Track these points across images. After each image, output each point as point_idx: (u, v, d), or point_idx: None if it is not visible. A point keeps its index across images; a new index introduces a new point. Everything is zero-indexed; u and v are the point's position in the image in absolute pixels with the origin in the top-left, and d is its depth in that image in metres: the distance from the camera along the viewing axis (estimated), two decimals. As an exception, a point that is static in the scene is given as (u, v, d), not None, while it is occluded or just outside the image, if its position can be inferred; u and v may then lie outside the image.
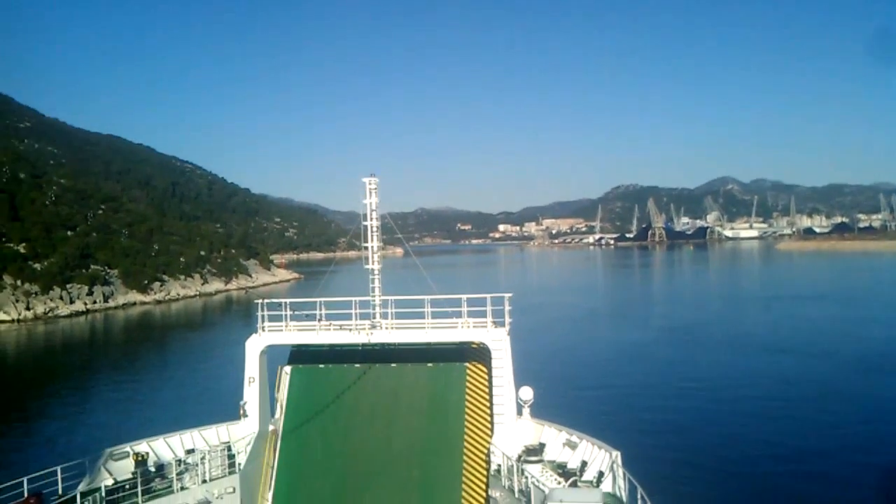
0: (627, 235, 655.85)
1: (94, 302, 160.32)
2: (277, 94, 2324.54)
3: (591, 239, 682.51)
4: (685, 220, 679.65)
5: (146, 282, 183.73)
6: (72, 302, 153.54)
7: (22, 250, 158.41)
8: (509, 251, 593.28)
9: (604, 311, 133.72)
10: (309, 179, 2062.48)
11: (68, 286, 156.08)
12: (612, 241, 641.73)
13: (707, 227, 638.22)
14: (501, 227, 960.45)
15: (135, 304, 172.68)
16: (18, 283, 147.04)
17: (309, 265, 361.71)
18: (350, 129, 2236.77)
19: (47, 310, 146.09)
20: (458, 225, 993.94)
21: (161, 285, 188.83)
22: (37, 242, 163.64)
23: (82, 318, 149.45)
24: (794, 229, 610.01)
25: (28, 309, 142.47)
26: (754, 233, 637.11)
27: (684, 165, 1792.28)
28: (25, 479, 24.25)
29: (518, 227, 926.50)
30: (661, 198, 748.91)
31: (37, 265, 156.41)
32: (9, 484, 23.87)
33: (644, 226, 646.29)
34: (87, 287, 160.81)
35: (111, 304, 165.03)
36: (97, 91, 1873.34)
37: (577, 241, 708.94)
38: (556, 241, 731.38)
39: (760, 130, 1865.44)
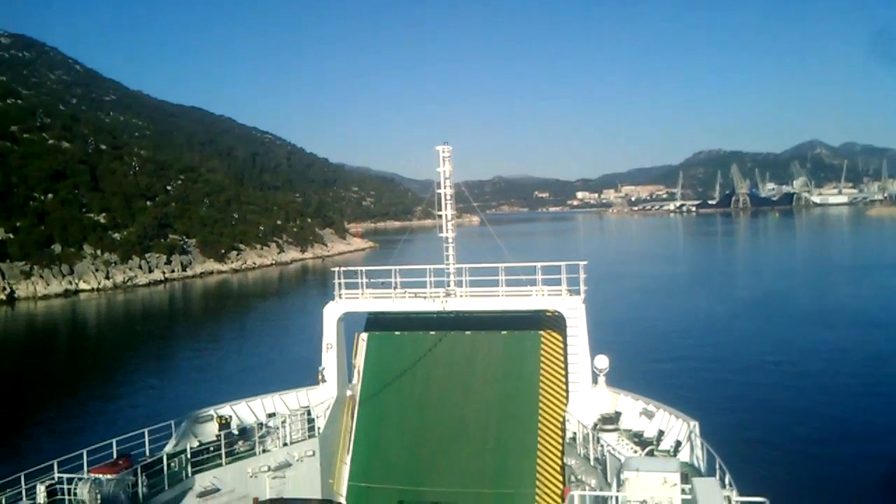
0: (710, 202, 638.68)
1: (172, 271, 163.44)
2: (354, 64, 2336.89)
3: (671, 206, 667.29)
4: (770, 185, 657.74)
5: (223, 251, 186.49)
6: (150, 271, 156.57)
7: (102, 220, 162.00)
8: (587, 219, 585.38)
9: (683, 281, 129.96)
10: (386, 148, 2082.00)
11: (147, 255, 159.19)
12: (693, 208, 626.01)
13: (794, 193, 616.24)
14: (579, 195, 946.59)
15: (212, 272, 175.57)
16: (98, 252, 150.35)
17: (385, 234, 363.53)
18: (427, 97, 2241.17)
19: (126, 279, 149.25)
20: (536, 193, 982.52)
21: (238, 254, 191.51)
22: (116, 212, 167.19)
23: (160, 286, 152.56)
24: (885, 194, 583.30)
25: (107, 278, 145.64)
26: (843, 199, 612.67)
27: (770, 129, 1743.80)
28: (114, 441, 25.12)
29: (596, 195, 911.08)
30: (746, 163, 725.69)
31: (116, 235, 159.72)
32: (99, 445, 24.61)
33: (727, 192, 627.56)
34: (165, 256, 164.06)
35: (189, 272, 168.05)
36: (179, 64, 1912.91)
37: (657, 208, 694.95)
38: (636, 208, 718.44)
39: (850, 91, 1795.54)
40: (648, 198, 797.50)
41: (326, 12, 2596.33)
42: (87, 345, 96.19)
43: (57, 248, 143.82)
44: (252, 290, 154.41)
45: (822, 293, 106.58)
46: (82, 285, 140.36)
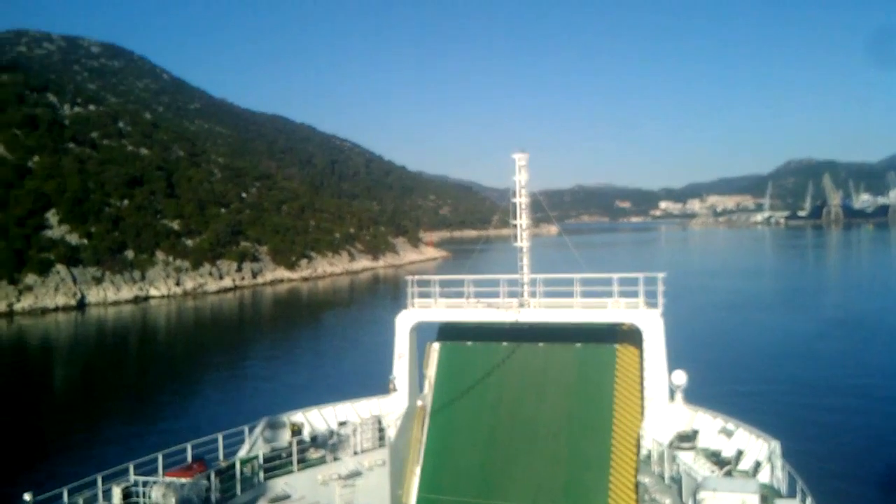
0: (800, 214, 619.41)
1: (243, 278, 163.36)
2: (434, 71, 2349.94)
3: (759, 217, 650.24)
4: (865, 196, 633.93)
5: (294, 259, 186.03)
6: (220, 278, 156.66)
7: (175, 227, 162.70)
8: (670, 229, 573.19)
9: (770, 297, 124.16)
10: (464, 156, 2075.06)
11: (218, 262, 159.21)
12: (782, 220, 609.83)
13: (889, 205, 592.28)
14: (662, 205, 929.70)
15: (282, 280, 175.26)
16: (170, 259, 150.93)
17: (462, 242, 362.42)
18: (507, 104, 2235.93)
19: (196, 286, 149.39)
20: (617, 202, 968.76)
21: (309, 262, 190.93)
22: (190, 219, 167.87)
23: (230, 294, 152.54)
24: None
25: (178, 285, 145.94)
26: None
27: (864, 138, 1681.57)
28: (189, 446, 25.33)
29: (680, 205, 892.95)
30: (839, 173, 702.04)
31: (189, 241, 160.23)
32: (173, 449, 24.92)
33: (818, 203, 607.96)
34: (236, 263, 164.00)
35: (259, 280, 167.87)
36: (263, 73, 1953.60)
37: (743, 219, 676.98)
38: (721, 219, 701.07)
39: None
40: (734, 208, 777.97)
41: (404, 23, 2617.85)
42: (159, 350, 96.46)
43: (129, 254, 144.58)
44: (322, 298, 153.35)
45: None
46: (153, 291, 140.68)
